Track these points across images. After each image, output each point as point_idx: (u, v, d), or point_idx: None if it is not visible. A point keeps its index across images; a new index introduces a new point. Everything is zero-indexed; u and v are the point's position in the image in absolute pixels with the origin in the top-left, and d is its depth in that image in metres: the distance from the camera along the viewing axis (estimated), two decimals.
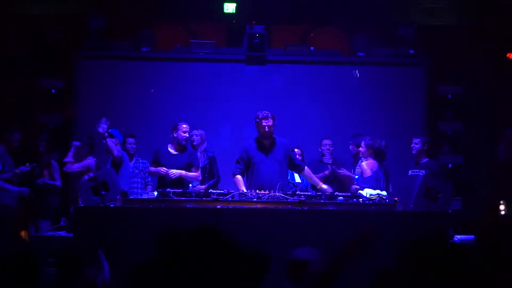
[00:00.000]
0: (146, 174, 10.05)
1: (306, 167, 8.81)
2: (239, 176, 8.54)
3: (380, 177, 8.96)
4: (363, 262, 4.77)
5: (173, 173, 8.76)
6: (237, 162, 8.67)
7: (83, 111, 11.78)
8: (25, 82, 11.69)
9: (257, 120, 8.58)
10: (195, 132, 9.95)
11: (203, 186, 9.11)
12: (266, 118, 8.52)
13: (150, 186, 9.99)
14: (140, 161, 10.23)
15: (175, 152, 9.04)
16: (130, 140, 10.25)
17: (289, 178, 9.44)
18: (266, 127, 8.50)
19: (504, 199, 10.84)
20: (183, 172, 8.85)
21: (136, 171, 10.13)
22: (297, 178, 9.93)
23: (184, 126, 9.07)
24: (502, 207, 10.92)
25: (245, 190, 8.14)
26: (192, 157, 9.11)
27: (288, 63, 12.15)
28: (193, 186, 9.01)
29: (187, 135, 9.13)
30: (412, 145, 9.81)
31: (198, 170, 9.13)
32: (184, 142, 9.06)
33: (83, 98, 11.90)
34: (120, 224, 7.45)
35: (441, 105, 12.15)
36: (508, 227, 3.83)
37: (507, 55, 12.17)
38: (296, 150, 9.91)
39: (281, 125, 10.04)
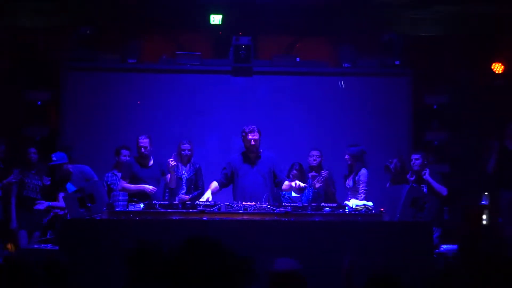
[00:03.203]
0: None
1: (285, 182, 8.77)
2: (214, 182, 8.68)
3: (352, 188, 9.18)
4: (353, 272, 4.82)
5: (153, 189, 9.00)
6: (221, 172, 8.74)
7: (70, 123, 11.75)
8: (11, 94, 11.65)
9: (243, 133, 8.67)
10: (186, 146, 9.93)
11: (187, 196, 9.13)
12: (251, 131, 8.59)
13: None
14: None
15: (148, 165, 9.25)
16: (125, 152, 10.20)
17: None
18: (252, 141, 8.56)
19: (487, 208, 10.90)
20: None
21: None
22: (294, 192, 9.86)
23: (145, 140, 9.25)
24: (484, 216, 10.99)
25: (208, 192, 8.39)
26: (161, 167, 9.35)
27: (274, 74, 12.14)
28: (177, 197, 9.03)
29: (144, 148, 9.23)
30: (412, 162, 9.79)
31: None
32: (145, 154, 9.23)
33: (69, 109, 11.85)
34: (106, 237, 7.44)
35: (427, 115, 12.19)
36: (489, 236, 3.86)
37: (491, 66, 12.25)
38: (294, 171, 9.82)
39: (268, 136, 10.05)
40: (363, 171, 9.32)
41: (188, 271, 2.29)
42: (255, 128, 8.63)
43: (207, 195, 8.40)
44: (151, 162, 9.33)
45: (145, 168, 9.25)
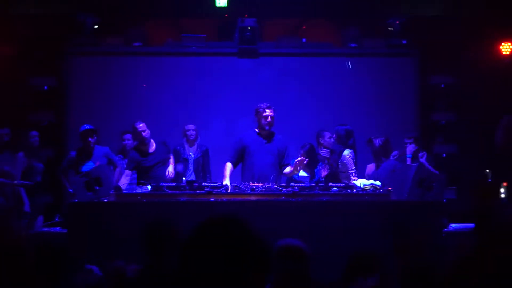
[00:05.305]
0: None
1: (288, 167, 8.67)
2: (228, 164, 8.52)
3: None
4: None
5: (172, 173, 8.98)
6: (231, 151, 8.66)
7: (75, 108, 11.76)
8: (17, 80, 11.64)
9: (260, 109, 8.49)
10: (191, 126, 9.95)
11: None
12: (269, 107, 8.49)
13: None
14: None
15: (148, 152, 9.19)
16: (127, 136, 10.19)
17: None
18: (269, 117, 8.44)
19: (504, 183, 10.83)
20: (171, 165, 9.07)
21: None
22: (302, 171, 9.79)
23: (141, 125, 9.18)
24: (502, 189, 10.91)
25: (227, 177, 8.22)
26: (166, 145, 9.34)
27: (280, 56, 12.13)
28: (187, 178, 9.01)
29: (143, 131, 9.16)
30: (407, 145, 9.77)
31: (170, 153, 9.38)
32: (146, 142, 9.16)
33: (75, 94, 11.87)
34: (114, 219, 7.44)
35: (434, 95, 12.16)
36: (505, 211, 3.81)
37: (499, 46, 12.18)
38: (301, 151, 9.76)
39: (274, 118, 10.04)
40: (346, 152, 9.20)
41: (205, 251, 2.26)
42: (272, 106, 8.56)
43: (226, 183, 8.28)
44: (153, 147, 9.24)
45: (146, 157, 9.16)
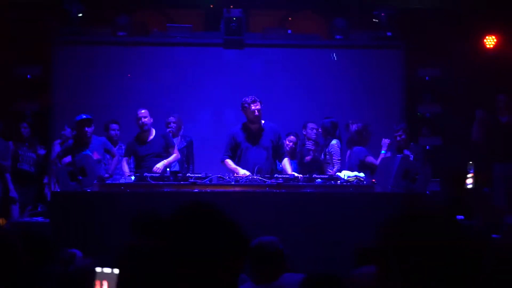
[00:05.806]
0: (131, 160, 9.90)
1: (286, 158, 8.72)
2: (228, 160, 8.46)
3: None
4: (345, 243, 4.81)
5: (158, 168, 8.74)
6: (225, 148, 8.59)
7: (61, 98, 11.69)
8: (2, 68, 11.56)
9: (246, 105, 8.40)
10: (171, 119, 9.91)
11: None
12: (254, 102, 8.38)
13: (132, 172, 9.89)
14: (123, 147, 10.12)
15: (147, 140, 9.07)
16: (114, 126, 10.16)
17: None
18: (256, 111, 8.36)
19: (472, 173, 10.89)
20: (165, 162, 8.86)
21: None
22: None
23: (143, 111, 9.10)
24: (469, 180, 10.97)
25: (239, 169, 8.16)
26: (165, 138, 9.16)
27: (266, 47, 12.10)
28: (171, 169, 8.97)
29: (144, 117, 9.08)
30: (397, 138, 9.76)
31: (174, 148, 9.19)
32: (145, 129, 9.07)
33: (60, 84, 11.79)
34: (98, 209, 7.41)
35: (420, 88, 12.18)
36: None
37: (484, 40, 12.20)
38: (291, 137, 9.82)
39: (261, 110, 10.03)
40: (333, 142, 9.23)
41: (185, 238, 2.26)
42: (257, 98, 8.45)
43: (243, 172, 8.15)
44: (151, 137, 9.17)
45: (143, 145, 9.09)
